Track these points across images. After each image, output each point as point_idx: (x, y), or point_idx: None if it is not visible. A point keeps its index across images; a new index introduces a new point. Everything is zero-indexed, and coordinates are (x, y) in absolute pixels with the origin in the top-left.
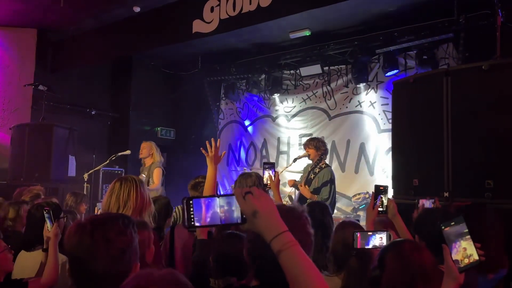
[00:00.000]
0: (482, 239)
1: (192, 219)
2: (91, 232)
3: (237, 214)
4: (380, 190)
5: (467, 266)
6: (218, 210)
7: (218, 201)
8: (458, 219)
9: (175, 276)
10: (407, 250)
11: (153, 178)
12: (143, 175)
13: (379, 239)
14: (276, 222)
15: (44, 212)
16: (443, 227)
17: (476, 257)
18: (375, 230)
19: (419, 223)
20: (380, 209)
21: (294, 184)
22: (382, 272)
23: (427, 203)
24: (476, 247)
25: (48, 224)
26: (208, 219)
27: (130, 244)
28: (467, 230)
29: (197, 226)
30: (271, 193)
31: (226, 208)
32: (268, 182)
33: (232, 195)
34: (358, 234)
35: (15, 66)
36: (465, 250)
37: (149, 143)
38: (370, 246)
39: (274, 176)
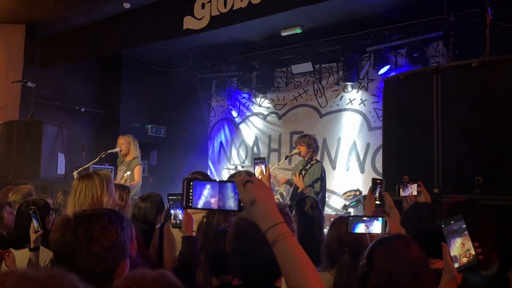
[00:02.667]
0: (476, 236)
1: (190, 201)
2: (73, 228)
3: (234, 201)
4: (377, 183)
5: (465, 265)
6: (216, 195)
7: (218, 187)
8: (457, 217)
9: (166, 278)
10: (395, 247)
11: (135, 175)
12: (122, 170)
13: (373, 225)
14: (273, 213)
15: (30, 212)
16: (443, 225)
17: (473, 252)
18: (370, 216)
19: (406, 218)
20: (377, 202)
21: (287, 181)
22: (370, 269)
23: (414, 191)
24: (474, 246)
25: (34, 223)
26: (206, 203)
27: (115, 242)
28: (465, 226)
29: (194, 208)
30: None
31: (224, 194)
32: (260, 176)
33: (232, 181)
34: (352, 219)
35: (3, 62)
36: (463, 246)
37: (127, 137)
38: (362, 231)
39: (265, 170)
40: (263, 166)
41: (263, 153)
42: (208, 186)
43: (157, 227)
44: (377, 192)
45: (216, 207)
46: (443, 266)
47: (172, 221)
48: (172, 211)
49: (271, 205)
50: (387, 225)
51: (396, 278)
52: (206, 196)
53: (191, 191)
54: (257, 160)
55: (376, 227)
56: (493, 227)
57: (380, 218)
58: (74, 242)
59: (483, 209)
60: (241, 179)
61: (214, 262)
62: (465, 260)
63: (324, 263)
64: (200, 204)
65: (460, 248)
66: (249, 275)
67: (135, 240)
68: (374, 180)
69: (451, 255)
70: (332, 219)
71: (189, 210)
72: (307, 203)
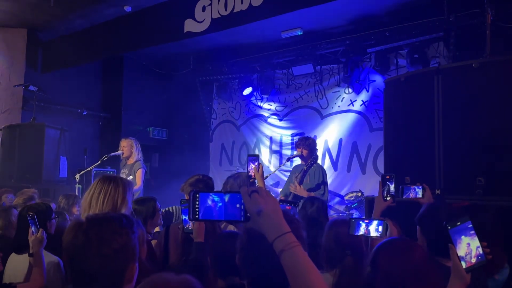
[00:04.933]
0: (487, 240)
1: (197, 212)
2: (85, 230)
3: (241, 212)
4: (386, 179)
5: (474, 266)
6: (223, 206)
7: (224, 198)
8: (463, 219)
9: (191, 284)
10: (398, 250)
11: (136, 179)
12: (124, 172)
13: (374, 228)
14: (280, 222)
15: (28, 217)
16: (449, 227)
17: (480, 251)
18: (370, 218)
19: (424, 218)
20: (387, 198)
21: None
22: (375, 273)
23: (418, 193)
24: (482, 246)
25: (32, 228)
26: (212, 214)
27: (126, 245)
28: (471, 226)
29: (201, 220)
30: (255, 183)
31: (231, 205)
32: (253, 173)
33: (238, 192)
34: (353, 220)
35: (5, 66)
36: (468, 246)
37: (129, 140)
38: (362, 233)
39: (259, 168)
40: (256, 164)
41: (265, 155)
42: (214, 197)
43: (156, 230)
44: (387, 188)
45: (222, 218)
46: (451, 267)
47: (185, 226)
48: (184, 216)
49: (278, 214)
50: (388, 228)
51: (400, 280)
52: (212, 207)
53: (197, 203)
54: (251, 157)
55: (377, 230)
56: (501, 230)
57: (380, 221)
58: (85, 243)
59: (490, 212)
60: (247, 190)
61: (220, 263)
62: (473, 260)
63: (324, 266)
64: (207, 215)
65: (467, 248)
66: (258, 284)
67: (145, 245)
68: (383, 176)
69: (459, 255)
70: None
71: None
72: (314, 204)
